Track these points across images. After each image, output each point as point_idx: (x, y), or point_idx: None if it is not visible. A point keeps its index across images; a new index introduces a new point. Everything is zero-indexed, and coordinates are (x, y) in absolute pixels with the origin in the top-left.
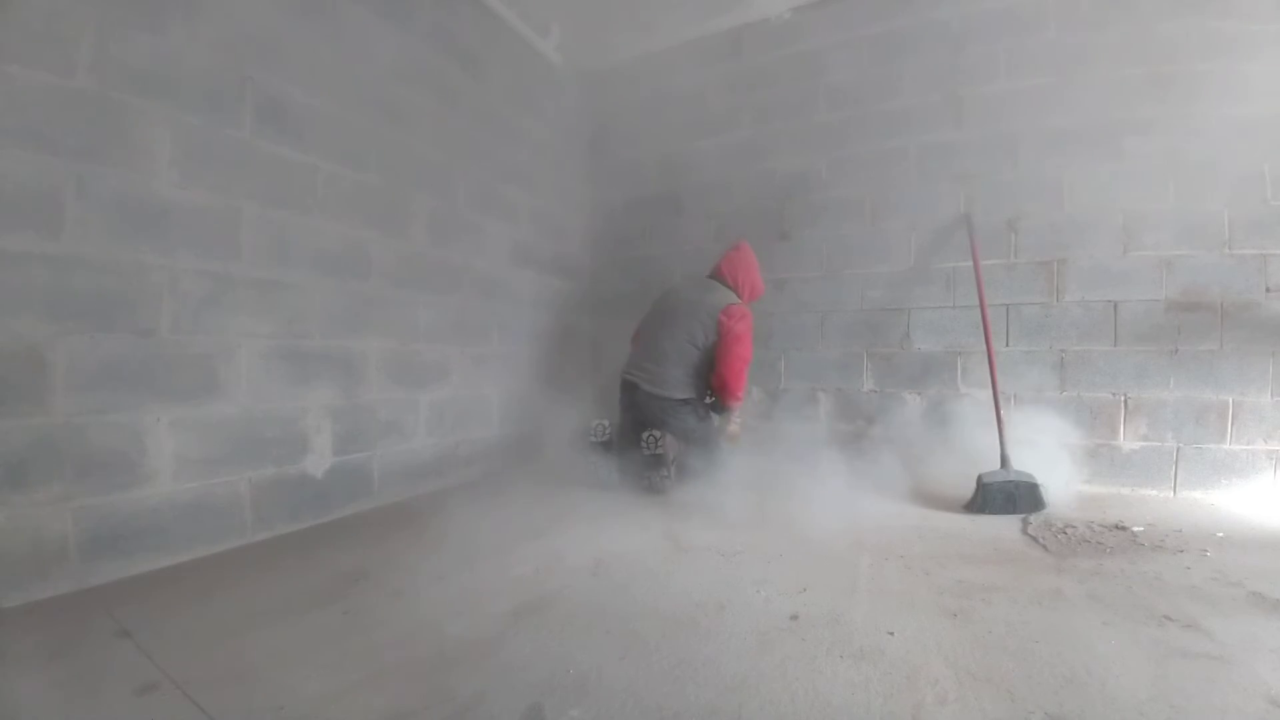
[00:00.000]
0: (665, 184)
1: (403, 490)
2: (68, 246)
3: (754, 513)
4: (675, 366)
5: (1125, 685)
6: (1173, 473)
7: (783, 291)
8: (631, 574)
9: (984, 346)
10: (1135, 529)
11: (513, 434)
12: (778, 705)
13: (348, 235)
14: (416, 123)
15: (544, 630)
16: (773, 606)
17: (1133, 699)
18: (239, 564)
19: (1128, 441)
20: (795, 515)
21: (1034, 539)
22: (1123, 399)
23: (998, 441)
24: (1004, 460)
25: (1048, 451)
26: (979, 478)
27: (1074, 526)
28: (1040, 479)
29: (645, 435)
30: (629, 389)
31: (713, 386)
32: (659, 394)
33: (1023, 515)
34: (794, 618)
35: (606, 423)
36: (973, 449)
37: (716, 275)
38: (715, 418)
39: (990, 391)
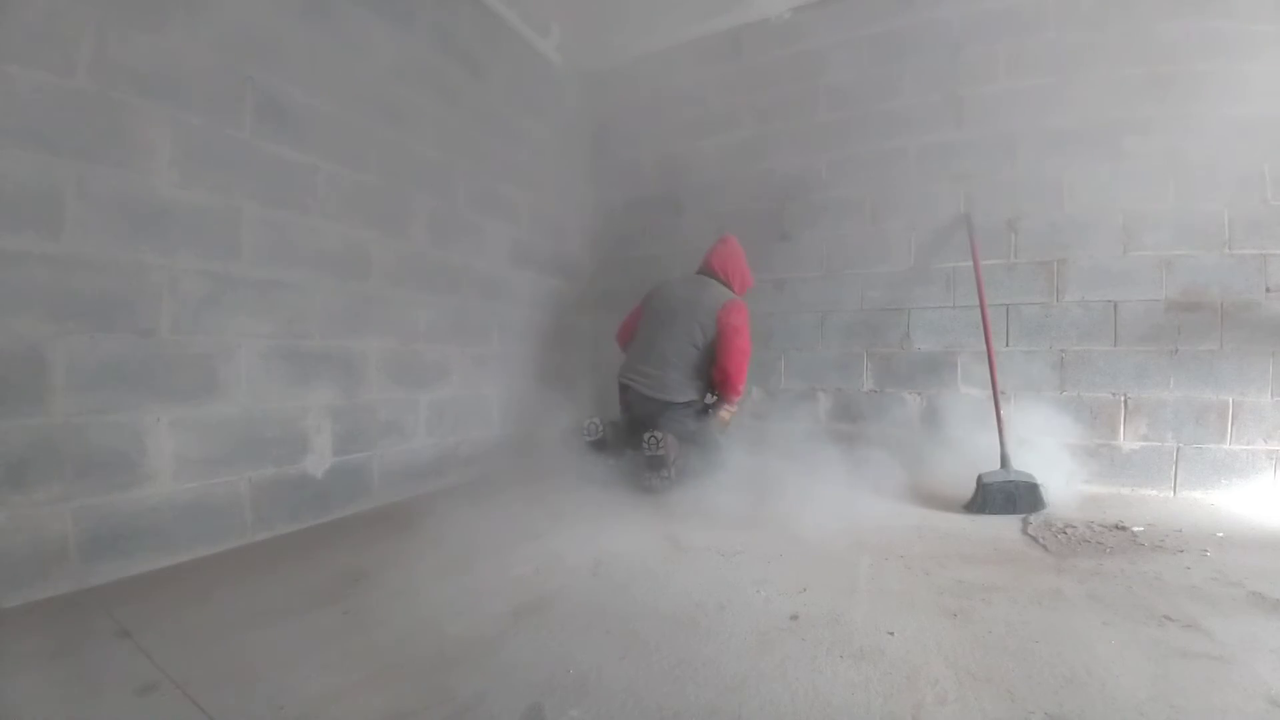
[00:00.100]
0: (665, 184)
1: (403, 490)
2: (68, 246)
3: (754, 513)
4: (675, 370)
5: (1125, 685)
6: (1173, 473)
7: (783, 291)
8: (631, 574)
9: (984, 346)
10: (1135, 529)
11: (513, 434)
12: (778, 705)
13: (348, 235)
14: (416, 123)
15: (544, 630)
16: (773, 606)
17: (1133, 699)
18: (239, 564)
19: (1128, 441)
20: (795, 515)
21: (1034, 539)
22: (1123, 399)
23: (998, 441)
24: (1004, 460)
25: (1048, 451)
26: (979, 478)
27: (1074, 526)
28: (1040, 479)
29: (647, 436)
30: (627, 392)
31: (714, 381)
32: (660, 398)
33: (1023, 515)
34: (794, 618)
35: (599, 421)
36: (972, 449)
37: (707, 270)
38: (712, 414)
39: (990, 391)
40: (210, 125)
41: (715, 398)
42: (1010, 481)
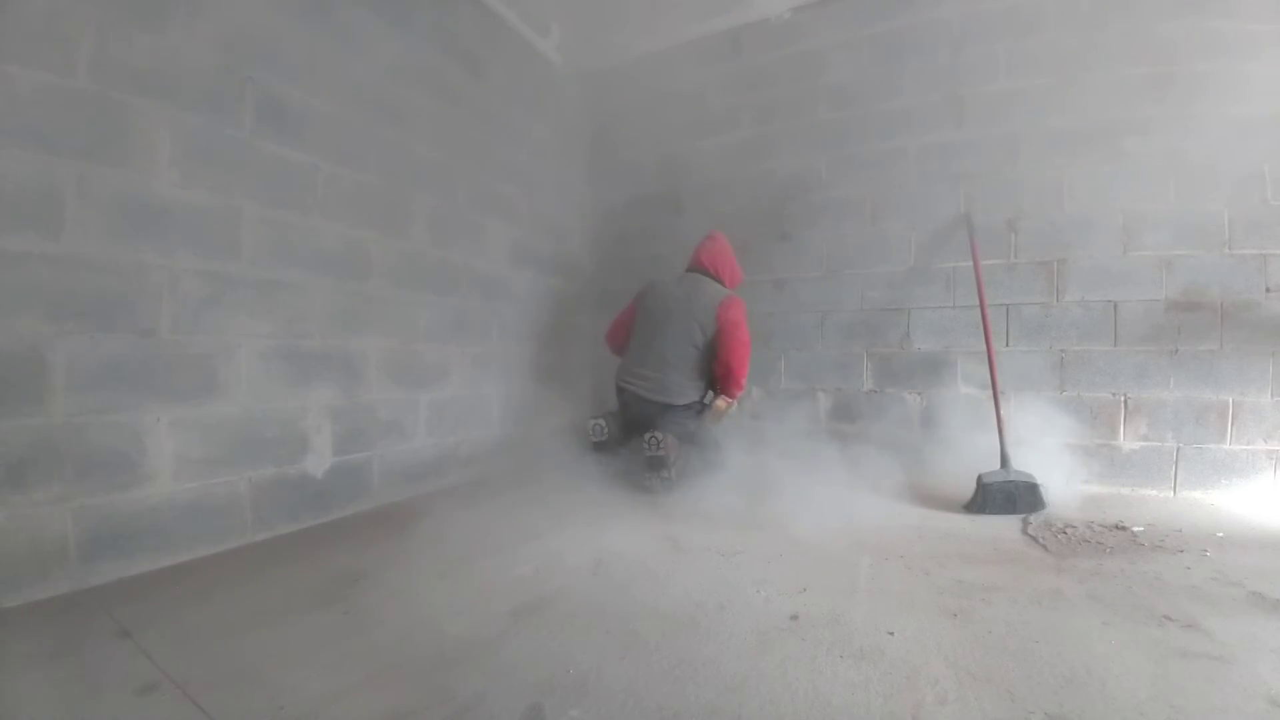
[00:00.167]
0: (665, 184)
1: (403, 490)
2: (68, 246)
3: (753, 513)
4: (676, 371)
5: (1125, 685)
6: (1173, 473)
7: (783, 291)
8: (631, 574)
9: (984, 346)
10: (1135, 529)
11: (513, 434)
12: (778, 705)
13: (348, 235)
14: (416, 123)
15: (544, 630)
16: (773, 606)
17: (1133, 699)
18: (239, 564)
19: (1128, 441)
20: (795, 515)
21: (1034, 539)
22: (1123, 399)
23: (997, 441)
24: (1004, 460)
25: (1048, 451)
26: (979, 478)
27: (1074, 526)
28: (1040, 479)
29: (647, 437)
30: (625, 394)
31: (716, 376)
32: (661, 401)
33: (1023, 515)
34: (794, 618)
35: (604, 422)
36: (972, 449)
37: (698, 268)
38: (709, 409)
39: (990, 391)
40: (210, 125)
41: (713, 395)
42: (1010, 481)
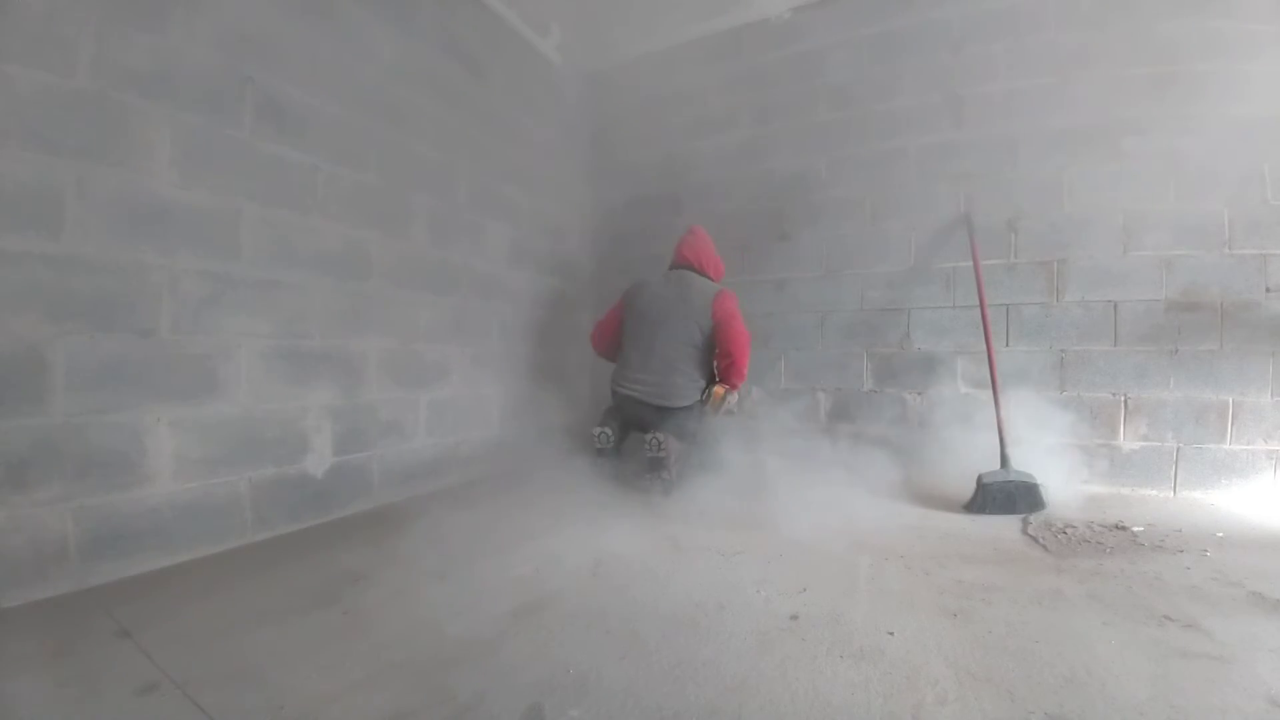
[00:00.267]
0: (665, 184)
1: (403, 490)
2: (68, 246)
3: (753, 513)
4: (679, 374)
5: (1125, 685)
6: (1173, 473)
7: (783, 291)
8: (631, 574)
9: (984, 346)
10: (1135, 529)
11: (513, 434)
12: (778, 705)
13: (348, 235)
14: (416, 123)
15: (544, 630)
16: (773, 607)
17: (1133, 699)
18: (239, 564)
19: (1128, 441)
20: (795, 516)
21: (1034, 539)
22: (1123, 399)
23: (997, 441)
24: (1004, 460)
25: (1047, 451)
26: (979, 478)
27: (1074, 526)
28: (1040, 479)
29: (649, 438)
30: (625, 399)
31: (719, 369)
32: (665, 405)
33: (1023, 515)
34: (794, 618)
35: (609, 430)
36: (972, 449)
37: (682, 264)
38: (708, 402)
39: (990, 391)
40: (210, 125)
41: (708, 392)
42: (1010, 481)
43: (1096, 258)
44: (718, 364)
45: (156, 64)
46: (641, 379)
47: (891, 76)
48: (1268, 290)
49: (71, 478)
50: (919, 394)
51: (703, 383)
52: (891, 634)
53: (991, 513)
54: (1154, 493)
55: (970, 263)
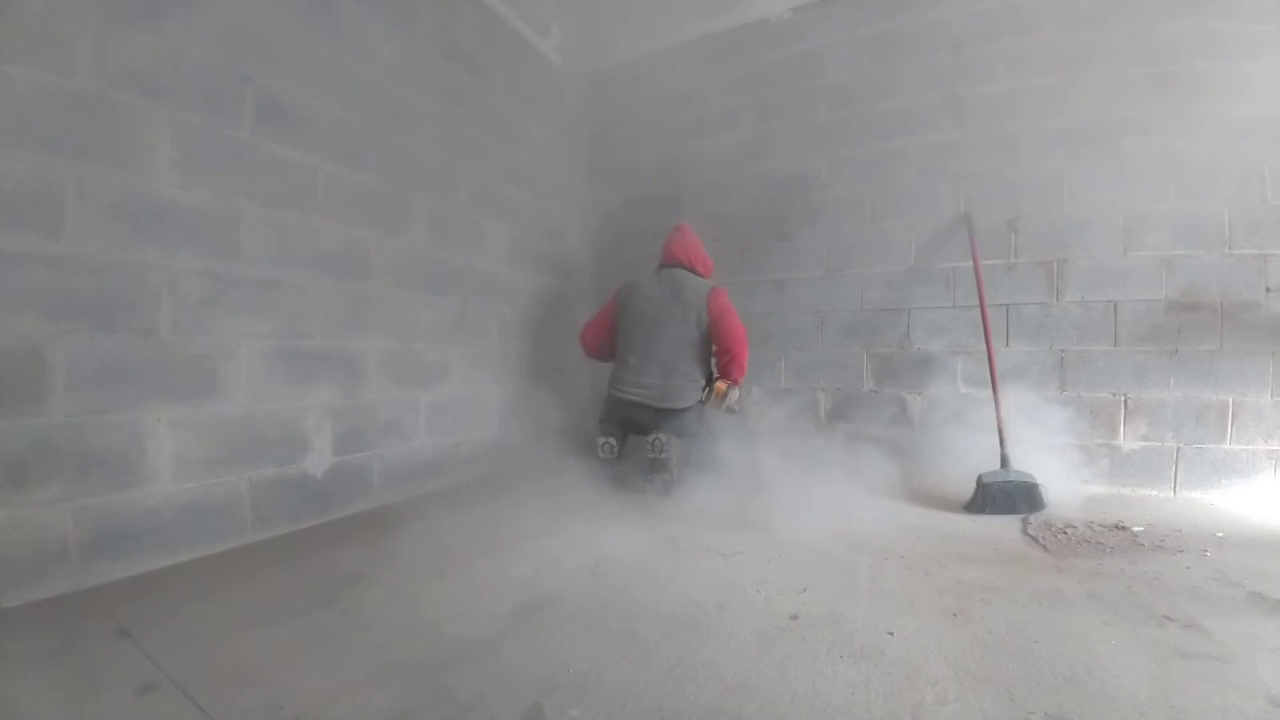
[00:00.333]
0: (665, 184)
1: (403, 490)
2: (68, 246)
3: (753, 513)
4: (677, 375)
5: (1125, 685)
6: (1173, 473)
7: (783, 291)
8: (631, 574)
9: (984, 346)
10: (1135, 529)
11: (513, 434)
12: (778, 705)
13: (348, 235)
14: (417, 123)
15: (544, 630)
16: (773, 606)
17: (1133, 699)
18: (239, 564)
19: (1128, 441)
20: (795, 515)
21: (1034, 539)
22: (1123, 399)
23: (997, 441)
24: (1004, 460)
25: (1047, 451)
26: (979, 478)
27: (1074, 526)
28: (1040, 479)
29: (652, 439)
30: (624, 402)
31: (720, 366)
32: (668, 407)
33: (1022, 515)
34: (794, 618)
35: (613, 441)
36: (972, 449)
37: (673, 262)
38: (710, 398)
39: (990, 391)
40: (210, 125)
41: (709, 389)
42: (1010, 481)
43: (1096, 258)
44: (718, 360)
45: (156, 64)
46: (641, 382)
47: (891, 76)
48: (1268, 290)
49: (71, 478)
50: (919, 394)
51: (702, 381)
52: (891, 634)
53: (991, 513)
54: (1154, 493)
55: (970, 263)
